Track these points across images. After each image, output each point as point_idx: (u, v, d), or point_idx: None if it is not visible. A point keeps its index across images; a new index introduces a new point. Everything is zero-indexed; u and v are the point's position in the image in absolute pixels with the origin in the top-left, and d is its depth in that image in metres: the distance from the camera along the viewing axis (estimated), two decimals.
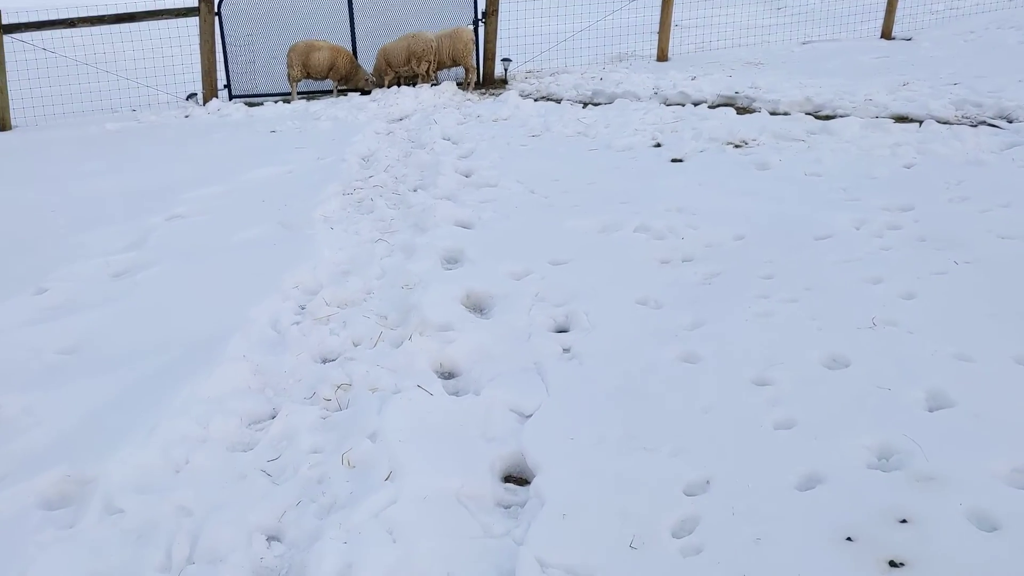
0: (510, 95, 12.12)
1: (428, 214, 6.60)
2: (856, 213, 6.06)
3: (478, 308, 5.12)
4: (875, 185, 6.78)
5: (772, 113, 9.90)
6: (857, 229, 5.80)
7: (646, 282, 5.17)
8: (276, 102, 14.09)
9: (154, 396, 3.95)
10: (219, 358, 4.24)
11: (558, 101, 12.49)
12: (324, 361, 4.48)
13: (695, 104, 10.83)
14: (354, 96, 14.03)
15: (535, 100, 12.73)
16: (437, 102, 12.96)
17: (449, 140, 9.98)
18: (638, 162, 8.15)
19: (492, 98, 13.20)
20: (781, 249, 5.52)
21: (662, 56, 15.80)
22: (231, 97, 14.66)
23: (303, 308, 5.05)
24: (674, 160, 8.11)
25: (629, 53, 17.12)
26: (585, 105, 11.79)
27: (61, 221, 7.37)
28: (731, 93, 11.17)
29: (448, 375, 4.33)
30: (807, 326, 4.39)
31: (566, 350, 4.43)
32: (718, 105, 10.83)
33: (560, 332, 4.70)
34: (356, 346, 4.56)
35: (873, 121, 8.87)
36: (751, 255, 5.48)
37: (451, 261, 5.86)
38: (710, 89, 11.48)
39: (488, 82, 15.07)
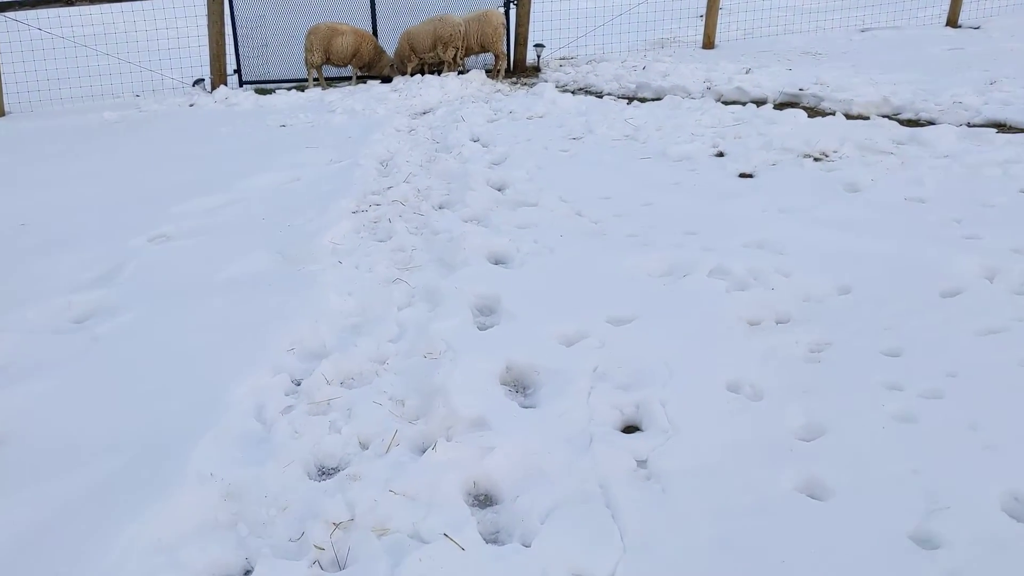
0: (545, 88, 10.95)
1: (456, 245, 5.47)
2: (983, 257, 4.89)
3: (521, 387, 4.01)
4: (994, 217, 5.60)
5: (846, 116, 8.68)
6: (991, 281, 4.64)
7: (735, 355, 4.04)
8: (290, 90, 12.99)
9: (79, 538, 2.87)
10: (179, 477, 3.15)
11: (599, 95, 11.31)
12: (320, 473, 3.39)
13: (756, 103, 9.61)
14: (374, 85, 12.89)
15: (573, 93, 11.55)
16: (464, 93, 11.81)
17: (478, 142, 8.84)
18: (700, 176, 6.99)
19: (525, 89, 12.03)
20: (901, 309, 4.37)
21: (708, 43, 14.55)
22: (241, 83, 13.58)
23: (298, 385, 3.95)
24: (743, 175, 6.94)
25: (671, 39, 15.88)
26: (630, 101, 10.60)
27: (29, 240, 6.31)
28: (795, 91, 9.94)
29: (485, 501, 3.22)
30: (968, 441, 3.26)
31: (641, 463, 3.32)
32: (782, 105, 9.63)
33: (630, 430, 3.59)
34: (363, 449, 3.47)
35: (969, 130, 7.65)
36: (865, 317, 4.33)
37: (485, 313, 4.74)
38: (770, 85, 10.26)
39: (519, 70, 13.90)
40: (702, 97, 10.40)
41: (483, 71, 13.04)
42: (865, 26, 15.49)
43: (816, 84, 10.18)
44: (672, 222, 5.88)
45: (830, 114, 8.83)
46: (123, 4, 13.00)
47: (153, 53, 13.33)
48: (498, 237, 5.69)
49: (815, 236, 5.37)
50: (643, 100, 10.71)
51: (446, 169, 7.59)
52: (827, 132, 7.68)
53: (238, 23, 13.38)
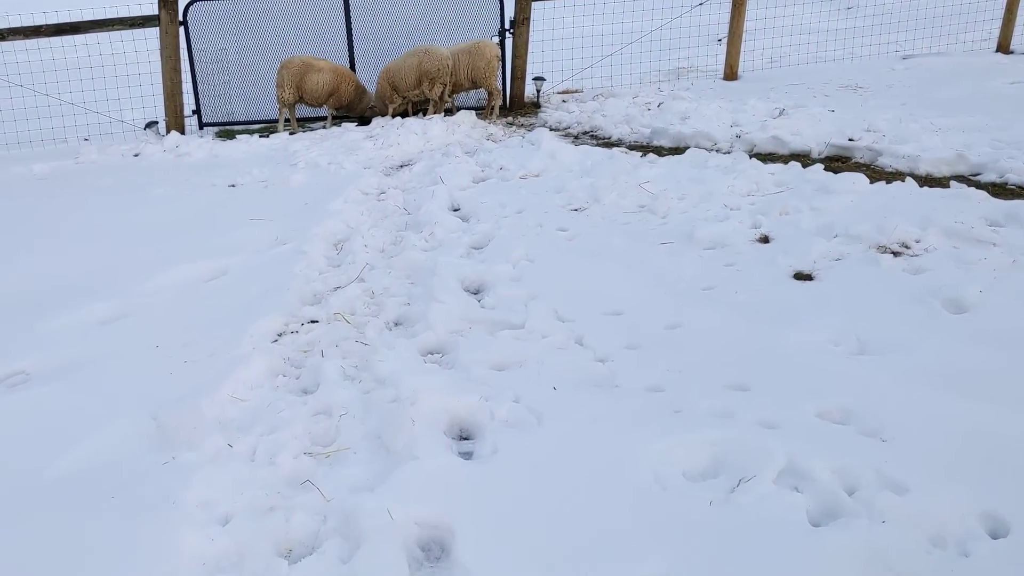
0: (543, 136, 9.25)
1: (402, 413, 3.77)
2: None
3: None
4: None
5: (914, 177, 6.98)
6: None
7: None
8: (255, 133, 11.38)
9: None
10: None
11: (607, 142, 9.64)
12: None
13: (798, 159, 7.92)
14: (349, 128, 11.24)
15: (575, 137, 9.90)
16: (451, 140, 10.13)
17: (459, 212, 7.21)
18: (741, 276, 5.29)
19: (521, 134, 10.37)
20: None
21: (731, 74, 12.87)
22: (202, 126, 11.94)
23: None
24: (799, 276, 5.23)
25: (688, 67, 14.18)
26: (644, 152, 8.90)
27: None
28: (844, 141, 8.25)
29: None
30: None
31: None
32: (830, 160, 7.94)
33: None
34: None
35: None
36: None
37: (429, 558, 3.04)
38: (812, 133, 8.57)
39: (516, 106, 12.24)
40: (731, 148, 8.71)
41: (473, 112, 11.34)
42: (906, 52, 13.77)
43: (867, 131, 8.48)
44: (710, 363, 4.18)
45: (896, 177, 7.13)
46: (66, 37, 11.37)
47: (102, 93, 11.68)
48: (465, 392, 3.98)
49: (926, 404, 3.66)
50: (660, 151, 9.01)
51: (411, 261, 5.90)
52: (901, 209, 5.96)
53: (196, 58, 11.76)
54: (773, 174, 7.25)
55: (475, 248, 6.31)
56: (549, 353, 4.42)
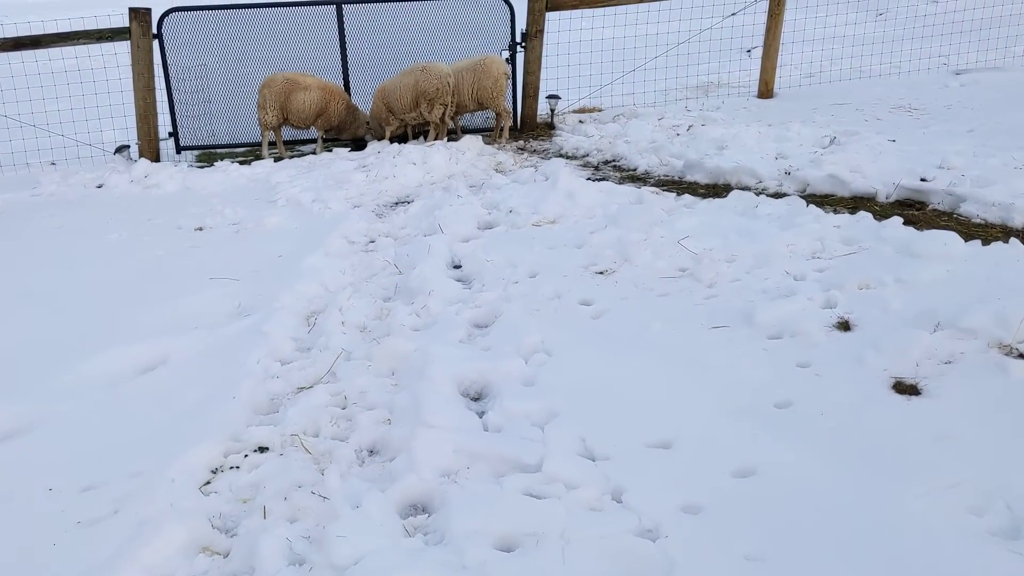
0: (559, 170, 8.00)
1: None
2: None
3: None
4: None
5: (1006, 229, 5.75)
6: None
7: None
8: (238, 159, 10.20)
9: None
10: None
11: (632, 174, 8.43)
12: None
13: (863, 203, 6.71)
14: (341, 154, 10.03)
15: (595, 168, 8.73)
16: (454, 171, 8.91)
17: (459, 272, 6.05)
18: (825, 387, 4.06)
19: (533, 162, 9.19)
20: None
21: (766, 91, 11.62)
22: (179, 150, 10.73)
23: None
24: (900, 388, 3.99)
25: (716, 82, 12.91)
26: (678, 190, 7.67)
27: None
28: (915, 181, 7.01)
29: None
30: None
31: None
32: (901, 204, 6.72)
33: None
34: None
35: None
36: None
37: None
38: (875, 170, 7.32)
39: (529, 128, 11.02)
40: (779, 187, 7.47)
41: (479, 137, 10.10)
42: (957, 67, 12.47)
43: (941, 169, 7.22)
44: (805, 545, 2.94)
45: (989, 232, 5.88)
46: (21, 52, 10.19)
47: (67, 112, 10.48)
48: None
49: None
50: (695, 189, 7.76)
51: (397, 351, 4.68)
52: (1018, 286, 4.69)
53: (172, 74, 10.55)
54: (839, 227, 5.99)
55: (478, 327, 5.09)
56: (576, 519, 3.19)
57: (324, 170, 9.16)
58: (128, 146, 10.58)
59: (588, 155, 9.61)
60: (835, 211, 6.68)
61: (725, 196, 7.12)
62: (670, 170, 8.45)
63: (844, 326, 4.63)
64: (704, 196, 7.44)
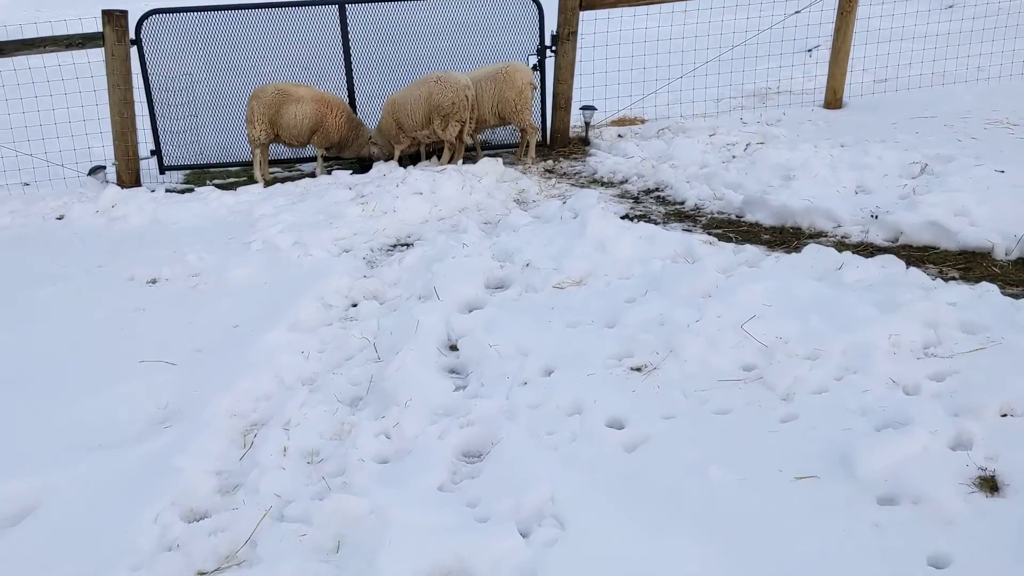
0: (590, 209, 6.59)
1: None
2: None
3: None
4: None
5: None
6: None
7: None
8: (226, 182, 8.98)
9: None
10: None
11: (678, 210, 7.07)
12: None
13: (975, 259, 5.24)
14: (339, 179, 8.67)
15: (635, 200, 7.33)
16: (466, 202, 7.55)
17: (452, 361, 4.68)
18: None
19: (562, 190, 7.87)
20: None
21: (834, 101, 10.10)
22: (162, 170, 9.47)
23: None
24: None
25: (774, 88, 11.36)
26: (736, 235, 6.23)
27: None
28: None
29: None
30: None
31: None
32: None
33: None
34: None
35: None
36: None
37: None
38: (984, 212, 5.88)
39: (559, 144, 9.63)
40: (864, 235, 5.99)
41: (499, 161, 8.68)
42: None
43: None
44: None
45: None
46: None
47: (36, 129, 9.26)
48: None
49: None
50: (758, 234, 6.30)
51: (344, 514, 3.30)
52: None
53: (154, 85, 9.27)
54: (955, 305, 4.51)
55: (466, 458, 3.73)
56: None
57: (316, 201, 7.81)
58: (103, 167, 9.34)
59: (627, 181, 8.16)
60: (941, 273, 5.20)
61: (797, 248, 5.67)
62: (725, 206, 6.98)
63: (989, 485, 3.18)
64: (769, 245, 5.98)
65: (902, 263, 5.11)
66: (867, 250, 5.71)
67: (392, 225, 7.13)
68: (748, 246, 5.86)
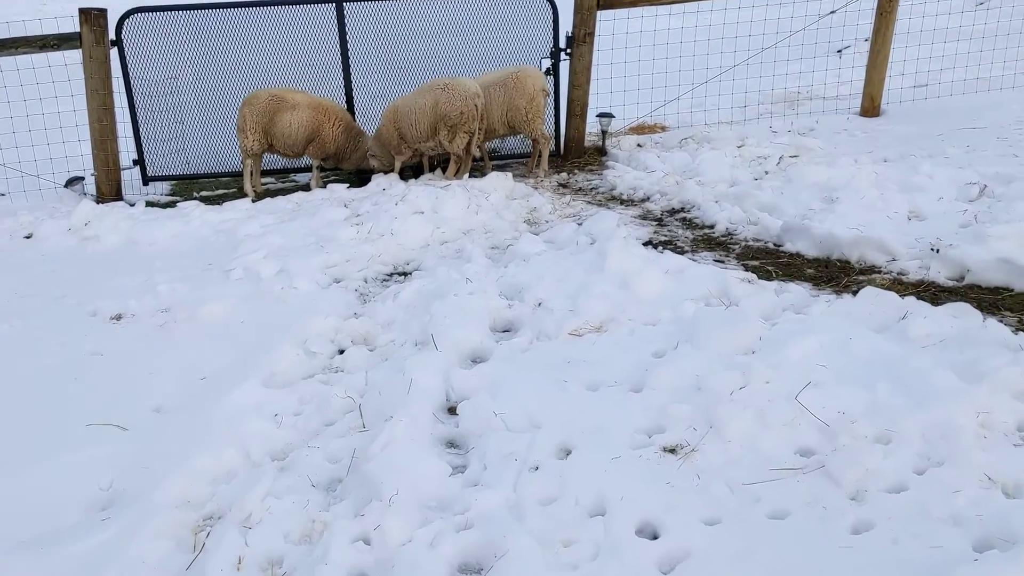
0: (610, 236, 5.86)
1: None
2: None
3: None
4: None
5: None
6: None
7: None
8: (214, 195, 8.26)
9: None
10: None
11: (707, 236, 6.34)
12: None
13: None
14: (335, 193, 7.97)
15: (658, 222, 6.56)
16: (472, 223, 6.84)
17: (450, 431, 3.99)
18: None
19: (577, 208, 7.16)
20: None
21: (871, 108, 9.36)
22: (145, 181, 8.78)
23: None
24: None
25: (804, 93, 10.60)
26: (777, 270, 5.50)
27: None
28: None
29: None
30: None
31: None
32: None
33: None
34: None
35: None
36: None
37: None
38: None
39: (574, 154, 8.92)
40: (924, 272, 5.23)
41: (509, 176, 7.95)
42: None
43: None
44: None
45: None
46: None
47: (10, 137, 8.58)
48: None
49: None
50: (800, 268, 5.56)
51: None
52: None
53: (136, 89, 8.58)
54: None
55: (463, 574, 2.98)
56: None
57: (307, 220, 7.11)
58: (82, 178, 8.66)
59: (648, 199, 7.44)
60: (1022, 324, 4.44)
61: (847, 287, 4.95)
62: (761, 231, 6.24)
63: None
64: (815, 282, 5.25)
65: (978, 314, 4.36)
66: (929, 290, 4.97)
67: (389, 250, 6.42)
68: (792, 285, 5.11)
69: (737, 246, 6.10)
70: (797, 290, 4.99)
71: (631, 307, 4.90)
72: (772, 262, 5.69)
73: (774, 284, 5.13)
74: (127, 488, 3.65)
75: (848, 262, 5.53)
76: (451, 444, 3.88)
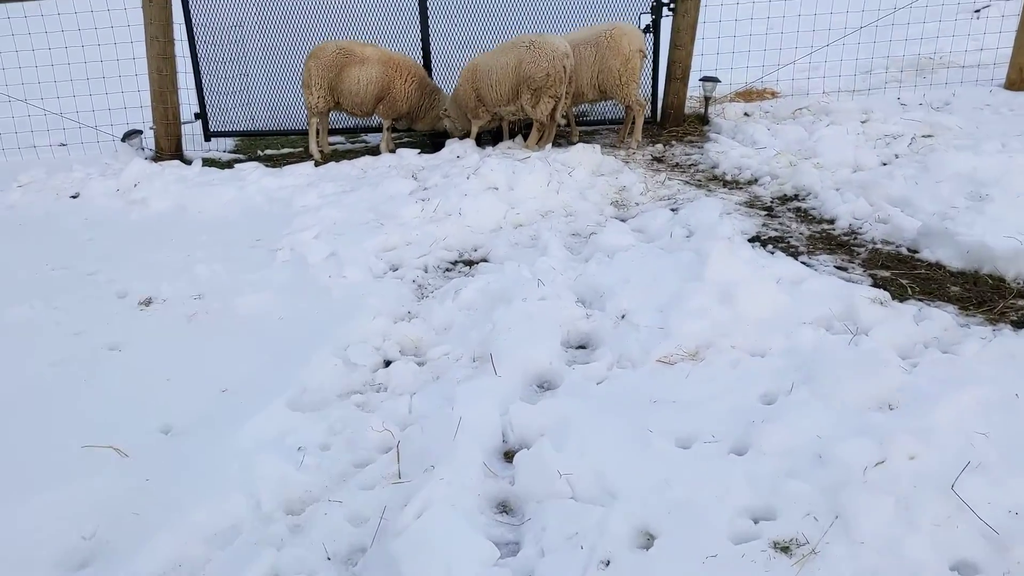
0: (712, 233, 5.00)
1: None
2: None
3: None
4: None
5: None
6: None
7: None
8: (278, 155, 7.67)
9: None
10: None
11: (827, 234, 5.42)
12: None
13: None
14: (403, 161, 7.24)
15: (769, 213, 5.68)
16: (552, 204, 6.05)
17: (502, 490, 3.25)
18: None
19: (672, 193, 6.26)
20: None
21: (1019, 80, 8.11)
22: (207, 136, 8.19)
23: None
24: None
25: (935, 58, 9.39)
26: (914, 286, 4.55)
27: None
28: None
29: None
30: None
31: None
32: None
33: None
34: None
35: None
36: None
37: None
38: None
39: (672, 123, 8.00)
40: None
41: (597, 148, 7.07)
42: None
43: None
44: None
45: None
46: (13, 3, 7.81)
47: (65, 85, 8.07)
48: None
49: None
50: (943, 284, 4.60)
51: None
52: None
53: (199, 37, 7.95)
54: None
55: None
56: None
57: (370, 192, 6.41)
58: (140, 131, 8.10)
59: (756, 181, 6.50)
60: None
61: (1004, 314, 3.98)
62: (892, 232, 5.27)
63: None
64: (962, 304, 4.31)
65: None
66: None
67: (456, 232, 5.66)
68: (934, 310, 4.17)
69: (863, 249, 5.15)
70: (941, 317, 4.05)
71: (734, 329, 4.05)
72: (907, 273, 4.74)
73: (912, 307, 4.20)
74: (111, 540, 3.02)
75: (1003, 280, 4.55)
76: (503, 507, 3.13)
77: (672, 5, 7.84)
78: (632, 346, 3.99)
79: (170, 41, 7.73)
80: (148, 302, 4.92)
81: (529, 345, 4.02)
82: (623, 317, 4.29)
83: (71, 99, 8.04)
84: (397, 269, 5.24)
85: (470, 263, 5.35)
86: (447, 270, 5.29)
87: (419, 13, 7.93)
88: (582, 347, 4.23)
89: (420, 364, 4.13)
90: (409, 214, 5.89)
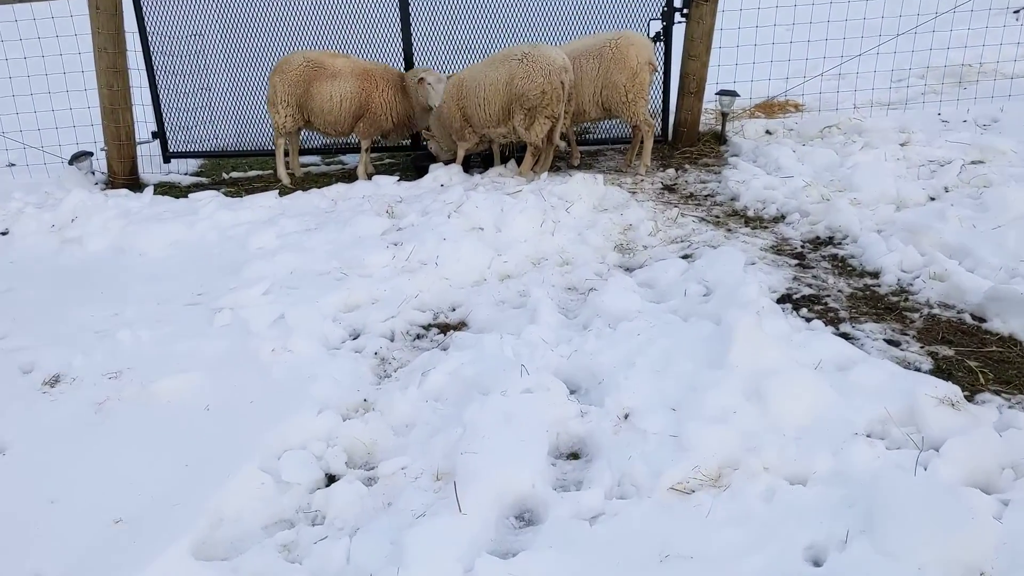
0: (734, 302, 4.12)
1: None
2: None
3: None
4: None
5: None
6: None
7: None
8: (233, 186, 6.87)
9: None
10: None
11: (871, 292, 4.49)
12: None
13: None
14: (379, 190, 6.40)
15: (800, 262, 4.84)
16: (546, 249, 5.23)
17: None
18: None
19: (686, 234, 5.43)
20: None
21: None
22: (166, 158, 7.34)
23: None
24: None
25: (974, 66, 8.49)
26: (988, 372, 3.61)
27: None
28: None
29: None
30: None
31: None
32: None
33: None
34: None
35: None
36: None
37: None
38: None
39: (685, 142, 7.11)
40: None
41: (600, 179, 6.20)
42: None
43: None
44: None
45: None
46: None
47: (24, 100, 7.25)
48: None
49: None
50: (1019, 366, 3.69)
51: None
52: None
53: (155, 49, 7.10)
54: None
55: None
56: None
57: (336, 231, 5.56)
58: (90, 153, 7.26)
59: (784, 219, 5.64)
60: None
61: None
62: (950, 292, 4.38)
63: None
64: None
65: None
66: None
67: (431, 287, 4.82)
68: (1018, 412, 3.29)
69: (916, 315, 4.26)
70: None
71: (767, 440, 3.18)
72: (975, 352, 3.86)
73: (991, 409, 3.32)
74: None
75: None
76: None
77: (686, 11, 6.96)
78: (637, 464, 3.13)
79: (121, 53, 6.89)
80: (55, 381, 4.08)
81: (507, 461, 3.16)
82: (626, 417, 3.43)
83: (14, 116, 7.20)
84: (357, 337, 4.39)
85: (445, 328, 4.49)
86: (418, 336, 4.44)
87: (400, 21, 7.06)
88: (574, 456, 3.37)
89: (369, 484, 3.27)
90: (378, 263, 5.04)
